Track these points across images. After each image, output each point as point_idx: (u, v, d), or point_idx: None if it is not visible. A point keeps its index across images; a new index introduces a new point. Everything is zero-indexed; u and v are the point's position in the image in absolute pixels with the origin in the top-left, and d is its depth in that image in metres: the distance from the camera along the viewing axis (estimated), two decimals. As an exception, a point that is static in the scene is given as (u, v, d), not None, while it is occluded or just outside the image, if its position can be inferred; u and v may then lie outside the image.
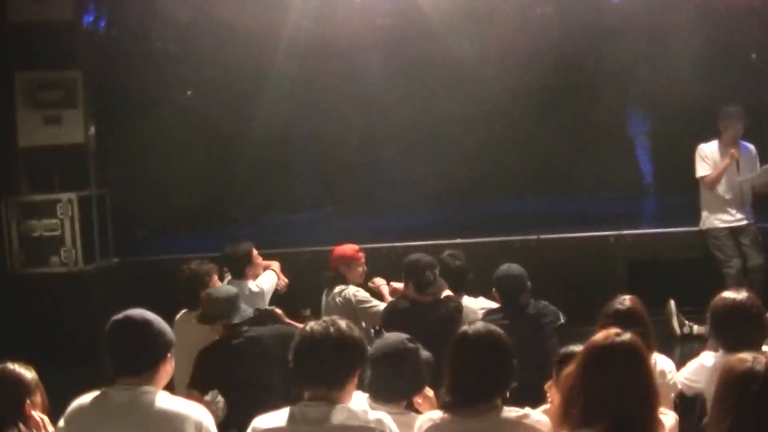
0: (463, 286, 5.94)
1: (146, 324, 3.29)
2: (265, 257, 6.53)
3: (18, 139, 8.06)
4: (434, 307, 5.36)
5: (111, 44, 9.46)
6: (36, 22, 7.89)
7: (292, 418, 3.17)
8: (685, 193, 7.78)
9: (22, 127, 8.07)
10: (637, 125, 11.08)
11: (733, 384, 2.56)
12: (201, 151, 9.98)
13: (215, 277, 5.77)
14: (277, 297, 6.34)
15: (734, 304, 3.94)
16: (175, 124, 9.74)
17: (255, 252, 6.27)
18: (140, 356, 3.26)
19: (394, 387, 3.66)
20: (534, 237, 8.02)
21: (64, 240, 7.89)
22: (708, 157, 7.37)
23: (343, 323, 3.29)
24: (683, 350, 6.06)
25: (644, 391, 2.75)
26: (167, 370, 3.32)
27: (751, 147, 7.51)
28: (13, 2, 7.98)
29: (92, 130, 8.30)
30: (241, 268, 6.12)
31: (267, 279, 6.29)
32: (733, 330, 3.88)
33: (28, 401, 3.34)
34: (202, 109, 10.14)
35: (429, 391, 3.70)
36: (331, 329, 3.22)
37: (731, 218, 7.38)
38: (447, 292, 5.55)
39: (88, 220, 8.05)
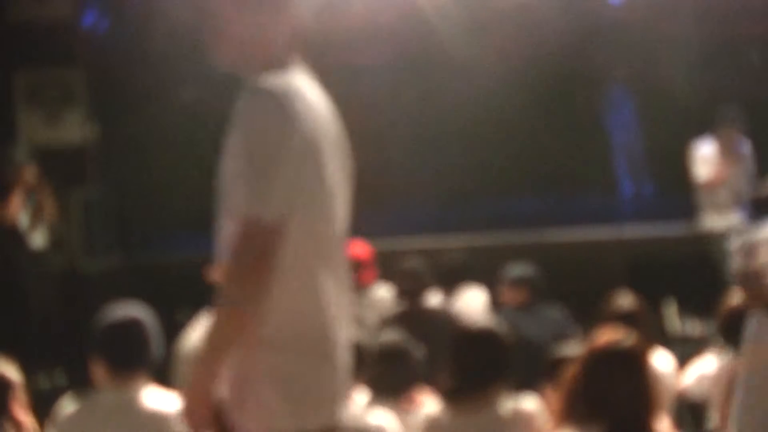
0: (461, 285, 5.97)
1: (143, 323, 3.30)
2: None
3: (18, 138, 8.06)
4: (421, 312, 5.31)
5: (111, 44, 9.44)
6: (36, 22, 7.87)
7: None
8: (685, 193, 7.78)
9: (22, 127, 8.08)
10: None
11: None
12: (202, 150, 9.95)
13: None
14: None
15: (741, 308, 3.95)
16: (176, 124, 9.72)
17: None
18: (136, 355, 3.24)
19: (392, 384, 3.69)
20: (534, 237, 8.02)
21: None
22: (705, 158, 7.36)
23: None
24: (683, 350, 6.04)
25: (643, 395, 2.84)
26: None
27: (746, 143, 7.50)
28: (13, 2, 7.97)
29: (92, 129, 8.29)
30: None
31: None
32: (741, 334, 3.88)
33: (12, 401, 3.26)
34: (203, 109, 10.12)
35: (422, 393, 3.75)
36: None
37: (730, 219, 7.39)
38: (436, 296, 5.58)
39: (89, 220, 8.05)
